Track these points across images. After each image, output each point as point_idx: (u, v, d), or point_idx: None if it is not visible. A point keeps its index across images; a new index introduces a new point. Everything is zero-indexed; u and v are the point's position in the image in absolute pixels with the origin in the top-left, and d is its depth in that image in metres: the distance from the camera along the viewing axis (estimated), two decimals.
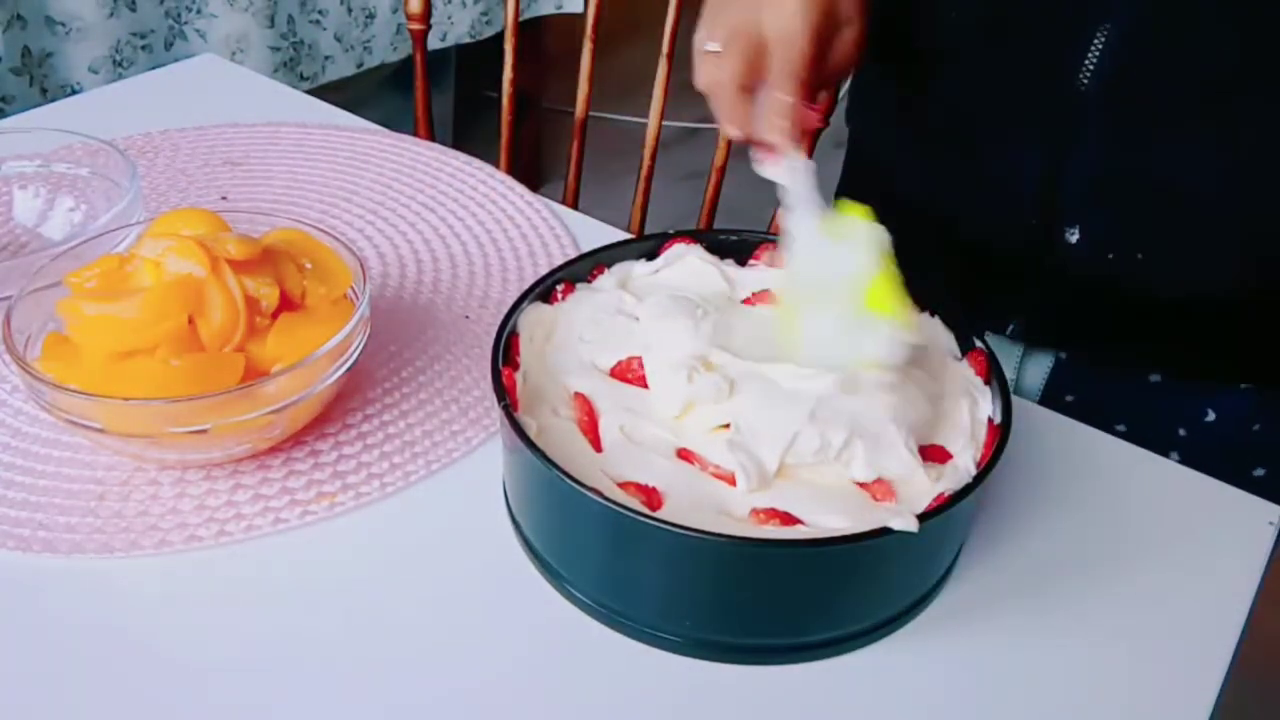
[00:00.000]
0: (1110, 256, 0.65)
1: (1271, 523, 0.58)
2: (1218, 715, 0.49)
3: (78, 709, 0.46)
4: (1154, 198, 0.63)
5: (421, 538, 0.55)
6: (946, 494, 0.48)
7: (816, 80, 0.58)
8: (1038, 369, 0.73)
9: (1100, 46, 0.60)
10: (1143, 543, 0.56)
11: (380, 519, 0.56)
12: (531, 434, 0.49)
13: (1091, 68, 0.61)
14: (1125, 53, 0.60)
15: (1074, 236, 0.65)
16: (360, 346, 0.57)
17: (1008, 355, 0.73)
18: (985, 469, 0.48)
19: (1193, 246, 0.64)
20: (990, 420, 0.53)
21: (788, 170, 0.56)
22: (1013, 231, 0.68)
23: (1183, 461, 0.62)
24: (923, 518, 0.45)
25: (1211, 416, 0.69)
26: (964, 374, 0.56)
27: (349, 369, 0.56)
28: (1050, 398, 0.73)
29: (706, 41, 0.58)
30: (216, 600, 0.51)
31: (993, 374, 0.54)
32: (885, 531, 0.45)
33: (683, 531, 0.44)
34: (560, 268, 0.60)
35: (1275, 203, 0.61)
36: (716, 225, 1.09)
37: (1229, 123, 0.60)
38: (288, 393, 0.53)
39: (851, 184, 0.84)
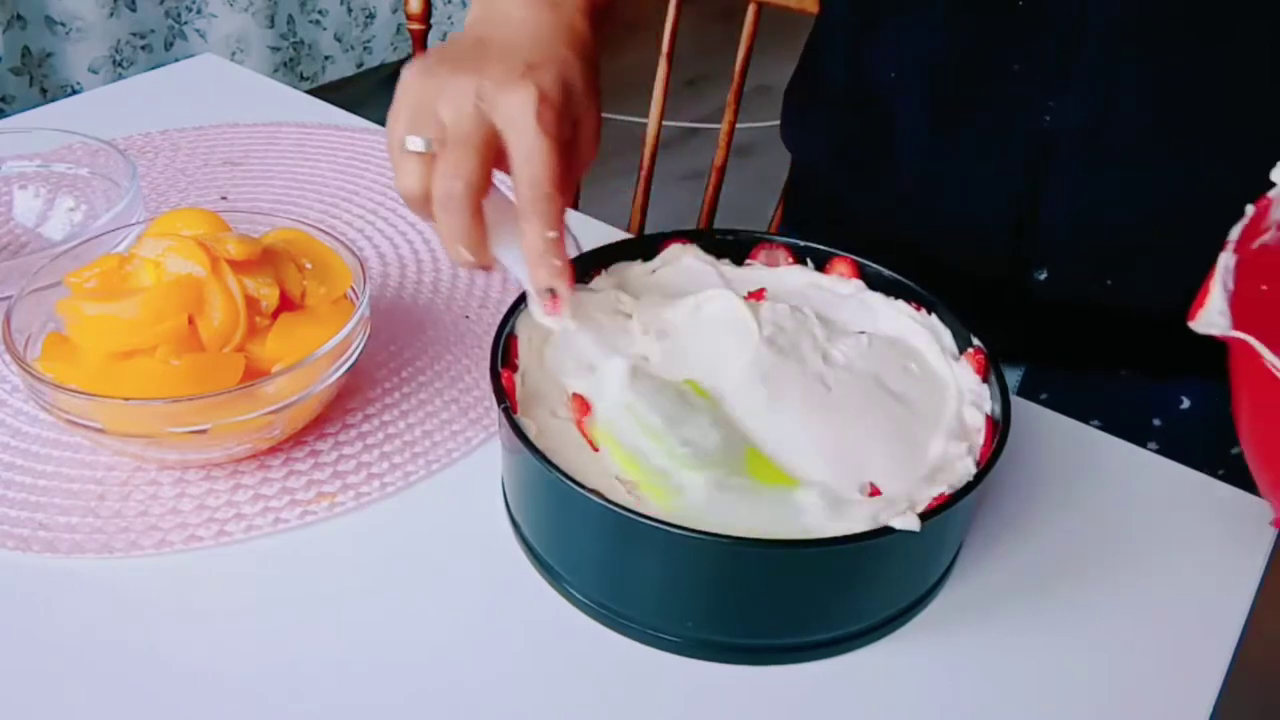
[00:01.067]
0: (1077, 288, 0.65)
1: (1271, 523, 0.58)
2: (1218, 715, 0.49)
3: (78, 709, 0.46)
4: (1123, 233, 0.63)
5: (421, 538, 0.55)
6: (946, 494, 0.48)
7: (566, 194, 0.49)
8: (1010, 375, 0.72)
9: (1071, 89, 0.59)
10: (1143, 543, 0.56)
11: (380, 519, 0.56)
12: (530, 435, 0.49)
13: (1063, 111, 0.59)
14: (1096, 96, 0.59)
15: (1043, 275, 0.65)
16: (360, 346, 0.57)
17: None
18: (985, 468, 0.48)
19: (1161, 270, 0.63)
20: (989, 419, 0.53)
21: (568, 318, 0.51)
22: (979, 270, 0.67)
23: (1161, 450, 0.62)
24: (924, 517, 0.45)
25: (1187, 404, 0.69)
26: (962, 374, 0.56)
27: (349, 369, 0.56)
28: (1024, 398, 0.72)
29: (408, 137, 0.48)
30: (216, 600, 0.51)
31: (991, 373, 0.54)
32: (885, 531, 0.45)
33: (682, 531, 0.44)
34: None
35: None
36: (716, 225, 1.09)
37: (1197, 154, 0.60)
38: (288, 393, 0.53)
39: (798, 204, 0.82)
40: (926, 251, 0.65)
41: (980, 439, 0.52)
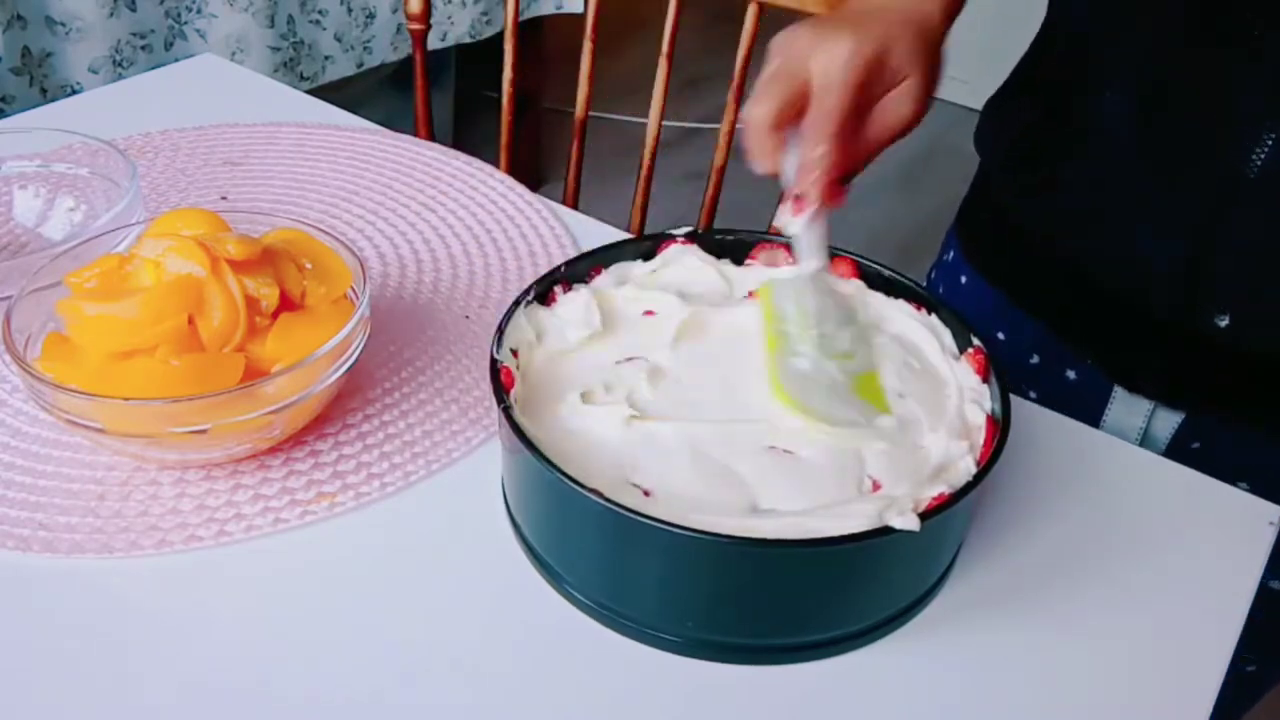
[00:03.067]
0: (1260, 337, 0.63)
1: (1272, 523, 0.58)
2: (1218, 715, 0.49)
3: (78, 709, 0.46)
4: None
5: (421, 538, 0.55)
6: (947, 493, 0.48)
7: (856, 137, 0.56)
8: (1167, 419, 0.70)
9: (1271, 141, 0.57)
10: (1143, 543, 0.56)
11: (380, 519, 0.56)
12: (530, 434, 0.49)
13: (1259, 161, 0.58)
14: None
15: (1224, 322, 0.62)
16: (360, 346, 0.57)
17: (1136, 407, 0.70)
18: (985, 467, 0.48)
19: None
20: (990, 418, 0.53)
21: (805, 226, 0.57)
22: (1154, 304, 0.65)
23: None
24: (924, 517, 0.45)
25: None
26: (962, 373, 0.56)
27: (349, 369, 0.56)
28: (1176, 447, 0.70)
29: (766, 70, 0.57)
30: (216, 600, 0.51)
31: (991, 372, 0.54)
32: (885, 531, 0.45)
33: (682, 531, 0.44)
34: (558, 269, 0.60)
35: None
36: (716, 225, 1.09)
37: None
38: (288, 393, 0.53)
39: (973, 211, 0.80)
40: (1092, 281, 0.67)
41: (981, 438, 0.52)
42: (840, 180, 0.56)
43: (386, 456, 0.59)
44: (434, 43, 1.90)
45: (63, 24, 1.47)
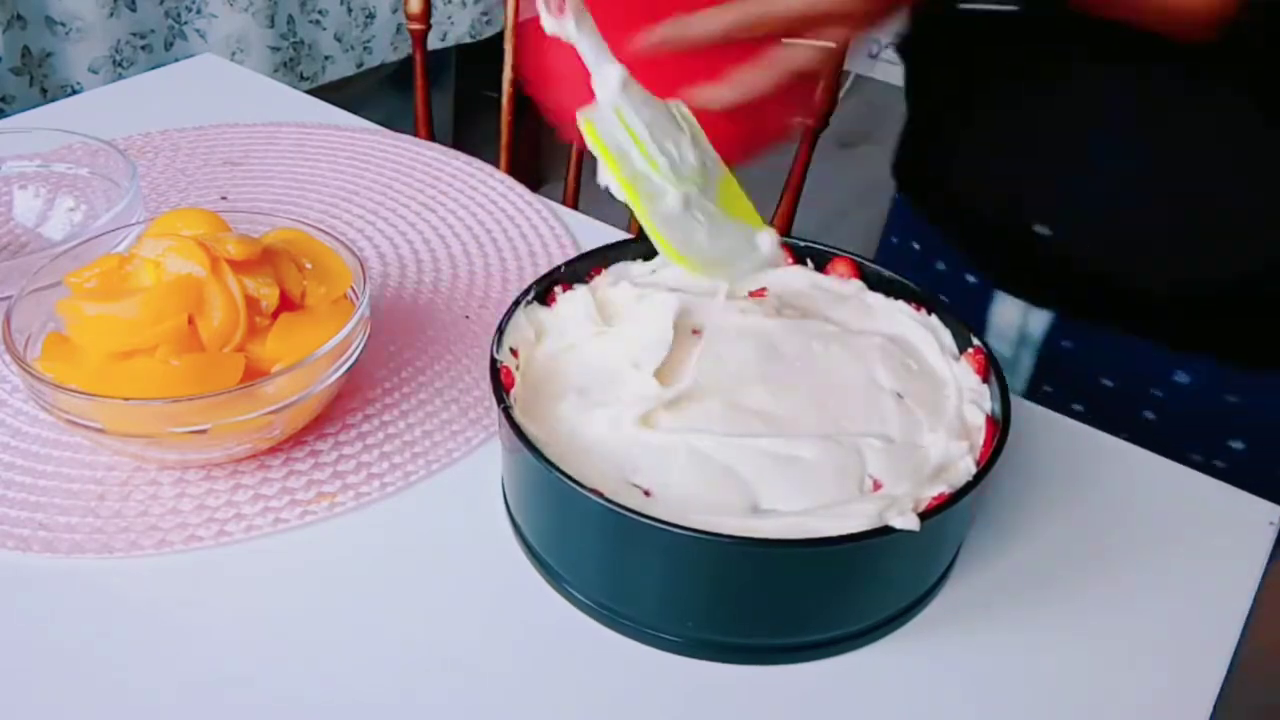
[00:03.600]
0: (1079, 248, 0.68)
1: (1272, 523, 0.58)
2: (1218, 715, 0.49)
3: (78, 709, 0.46)
4: (1121, 200, 0.65)
5: (421, 538, 0.55)
6: (947, 493, 0.48)
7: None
8: (1039, 320, 0.74)
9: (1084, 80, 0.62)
10: (1142, 543, 0.56)
11: (380, 519, 0.56)
12: (530, 434, 0.49)
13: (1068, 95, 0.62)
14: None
15: (1045, 231, 0.68)
16: (360, 346, 0.57)
17: (1012, 306, 0.75)
18: (985, 467, 0.48)
19: (1161, 254, 0.66)
20: (989, 418, 0.53)
21: (575, 28, 0.50)
22: (993, 213, 0.71)
23: (1157, 423, 0.62)
24: (923, 516, 0.45)
25: (1184, 379, 0.70)
26: (962, 373, 0.56)
27: (349, 369, 0.56)
28: (1051, 345, 0.75)
29: None
30: (216, 600, 0.51)
31: (991, 372, 0.54)
32: (885, 531, 0.45)
33: (682, 531, 0.44)
34: (558, 269, 0.60)
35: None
36: None
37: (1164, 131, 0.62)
38: (288, 393, 0.53)
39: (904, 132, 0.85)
40: (954, 193, 0.73)
41: (981, 438, 0.52)
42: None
43: (386, 456, 0.59)
44: (434, 43, 1.90)
45: (63, 24, 1.47)
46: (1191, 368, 0.69)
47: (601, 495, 0.45)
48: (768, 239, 0.50)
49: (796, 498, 0.49)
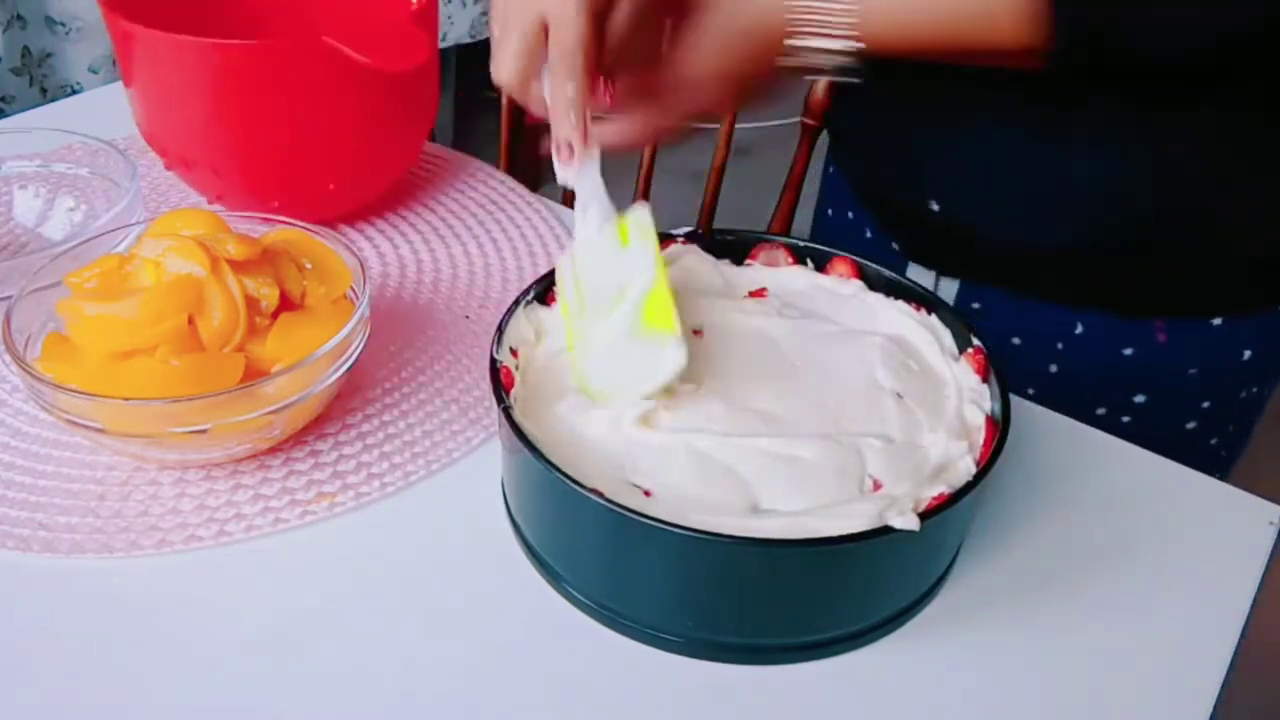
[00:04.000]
0: (965, 220, 0.71)
1: (1272, 523, 0.58)
2: (1218, 715, 0.49)
3: (78, 709, 0.46)
4: (1003, 180, 0.68)
5: (421, 538, 0.55)
6: (946, 493, 0.48)
7: (605, 61, 0.55)
8: (948, 286, 0.77)
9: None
10: (1142, 542, 0.56)
11: (380, 519, 0.56)
12: (530, 434, 0.49)
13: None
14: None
15: (936, 206, 0.71)
16: (360, 346, 0.57)
17: (922, 273, 0.78)
18: (985, 467, 0.48)
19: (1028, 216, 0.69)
20: (989, 418, 0.53)
21: (576, 171, 0.55)
22: (889, 191, 0.76)
23: (1059, 376, 0.65)
24: (923, 516, 0.45)
25: (1080, 329, 0.73)
26: (962, 374, 0.56)
27: (349, 369, 0.56)
28: (960, 305, 0.78)
29: (493, 28, 0.56)
30: (216, 600, 0.51)
31: (991, 373, 0.54)
32: (885, 531, 0.45)
33: (682, 531, 0.44)
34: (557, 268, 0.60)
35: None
36: (716, 225, 1.09)
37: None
38: (288, 393, 0.53)
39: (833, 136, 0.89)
40: (866, 169, 0.78)
41: (981, 437, 0.52)
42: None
43: (386, 456, 0.59)
44: None
45: (63, 24, 1.47)
46: (1086, 320, 0.72)
47: (601, 495, 0.45)
48: (673, 349, 0.51)
49: (796, 498, 0.49)
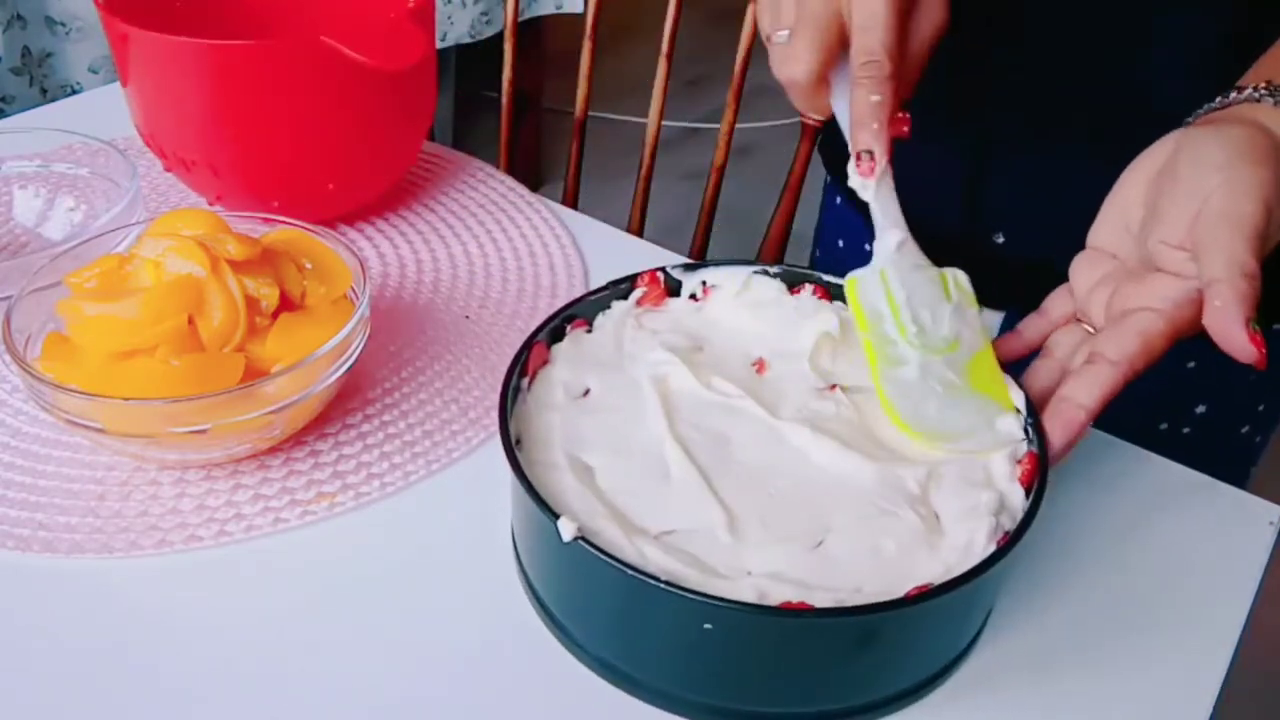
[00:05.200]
0: (1031, 249, 0.68)
1: (1272, 523, 0.58)
2: (1218, 715, 0.49)
3: (78, 709, 0.46)
4: (1067, 205, 0.65)
5: (421, 538, 0.55)
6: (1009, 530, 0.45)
7: (902, 69, 0.52)
8: (992, 318, 0.75)
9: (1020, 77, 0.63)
10: (1143, 543, 0.56)
11: (380, 519, 0.56)
12: (541, 489, 0.46)
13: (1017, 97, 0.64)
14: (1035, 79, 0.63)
15: (1000, 239, 0.69)
16: (360, 346, 0.57)
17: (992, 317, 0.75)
18: (1032, 509, 0.46)
19: None
20: (1032, 454, 0.49)
21: (877, 189, 0.52)
22: (945, 225, 0.70)
23: (1128, 392, 0.64)
24: (950, 585, 0.42)
25: None
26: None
27: (349, 369, 0.56)
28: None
29: (773, 29, 0.52)
30: (216, 600, 0.51)
31: (1028, 412, 0.50)
32: (914, 600, 0.42)
33: (699, 599, 0.41)
34: (575, 301, 0.57)
35: None
36: (715, 226, 1.09)
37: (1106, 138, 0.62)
38: (288, 393, 0.53)
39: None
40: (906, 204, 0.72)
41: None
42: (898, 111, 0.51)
43: (386, 456, 0.59)
44: None
45: (63, 24, 1.47)
46: None
47: (618, 560, 0.42)
48: (1010, 422, 0.49)
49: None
